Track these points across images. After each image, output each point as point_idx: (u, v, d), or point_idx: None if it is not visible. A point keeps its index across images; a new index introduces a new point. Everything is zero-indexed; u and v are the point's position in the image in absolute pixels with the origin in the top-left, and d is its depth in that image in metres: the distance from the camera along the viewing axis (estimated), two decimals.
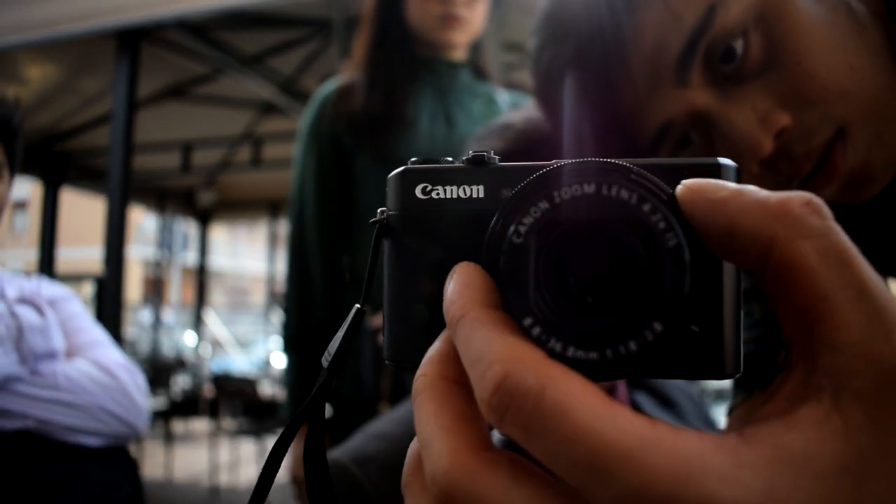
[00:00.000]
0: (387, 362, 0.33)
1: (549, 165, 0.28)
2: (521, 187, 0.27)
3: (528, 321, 0.26)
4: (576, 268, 0.27)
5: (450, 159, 0.33)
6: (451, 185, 0.32)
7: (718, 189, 0.25)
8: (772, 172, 0.50)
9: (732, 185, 0.25)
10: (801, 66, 0.47)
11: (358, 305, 0.35)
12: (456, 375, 0.26)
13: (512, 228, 0.26)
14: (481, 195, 0.31)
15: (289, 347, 1.35)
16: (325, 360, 0.35)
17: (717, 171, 0.29)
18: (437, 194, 0.32)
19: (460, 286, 0.27)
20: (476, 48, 1.38)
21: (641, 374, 0.28)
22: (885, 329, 0.21)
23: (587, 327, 0.25)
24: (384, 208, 0.34)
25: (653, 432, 0.20)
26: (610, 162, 0.27)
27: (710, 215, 0.24)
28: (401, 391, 1.20)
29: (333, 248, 1.32)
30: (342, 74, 1.36)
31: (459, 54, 1.34)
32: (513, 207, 0.27)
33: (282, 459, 0.34)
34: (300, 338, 1.32)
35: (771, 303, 0.24)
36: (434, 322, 0.31)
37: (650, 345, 0.25)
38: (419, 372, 0.27)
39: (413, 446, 0.27)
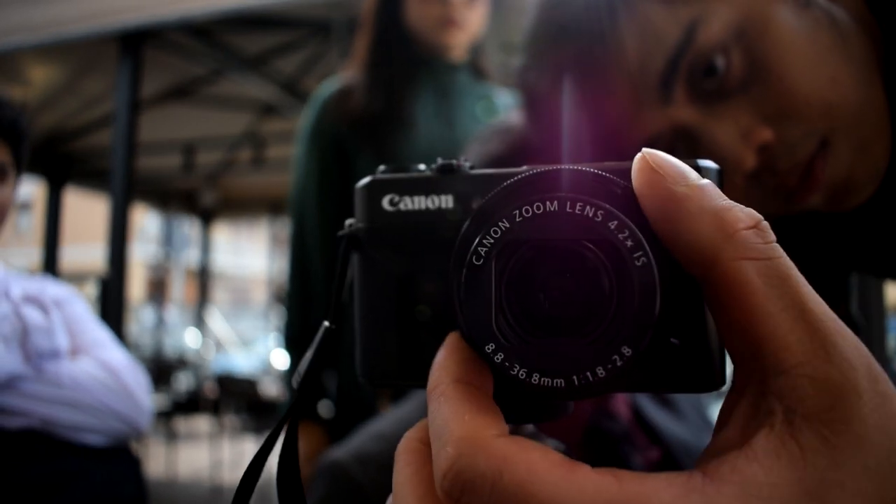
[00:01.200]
0: (360, 379, 0.32)
1: (519, 173, 0.26)
2: (482, 204, 0.26)
3: (490, 347, 0.24)
4: (540, 290, 0.25)
5: (421, 167, 0.31)
6: (419, 196, 0.30)
7: (680, 180, 0.24)
8: (757, 185, 0.50)
9: (695, 179, 0.24)
10: (783, 81, 0.48)
11: (327, 324, 0.33)
12: (469, 379, 0.25)
13: (471, 250, 0.25)
14: (450, 205, 0.30)
15: (290, 346, 1.36)
16: (295, 382, 0.32)
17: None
18: (405, 206, 0.30)
19: (441, 356, 0.26)
20: (475, 49, 1.38)
21: (615, 391, 0.27)
22: (826, 349, 0.21)
23: (553, 353, 0.24)
24: (352, 220, 0.32)
25: (621, 491, 0.20)
26: (581, 171, 0.25)
27: (662, 207, 0.24)
28: (401, 389, 1.21)
29: (335, 248, 1.32)
30: (342, 75, 1.37)
31: (459, 55, 1.35)
32: (475, 226, 0.26)
33: (262, 468, 0.32)
34: (302, 337, 1.33)
35: (712, 315, 0.24)
36: (406, 338, 0.30)
37: (619, 369, 0.23)
38: (433, 379, 0.26)
39: (411, 434, 0.27)
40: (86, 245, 12.24)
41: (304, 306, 1.33)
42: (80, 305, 1.10)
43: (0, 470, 0.90)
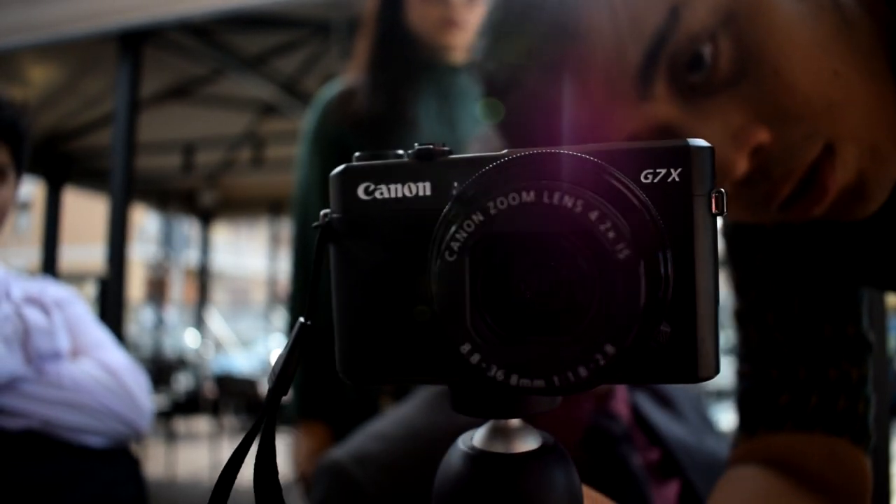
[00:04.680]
0: (340, 377, 0.31)
1: (497, 158, 0.25)
2: (457, 194, 0.24)
3: (465, 347, 0.23)
4: (517, 286, 0.24)
5: (399, 152, 0.30)
6: (396, 184, 0.29)
7: None
8: (748, 190, 0.45)
9: None
10: (779, 75, 0.41)
11: (302, 320, 0.31)
12: None
13: (444, 245, 0.23)
14: (428, 192, 0.28)
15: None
16: (270, 381, 0.31)
17: (686, 155, 0.26)
18: (381, 194, 0.29)
19: None
20: None
21: (599, 385, 0.26)
22: None
23: (532, 353, 0.23)
24: (327, 210, 0.31)
25: None
26: (561, 154, 0.23)
27: None
28: (403, 388, 1.22)
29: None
30: (344, 77, 1.37)
31: (459, 57, 1.35)
32: (449, 217, 0.24)
33: (237, 469, 0.32)
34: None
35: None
36: (385, 333, 0.29)
37: (602, 369, 0.22)
38: None
39: None
40: (85, 245, 12.23)
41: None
42: (80, 306, 1.10)
43: (0, 471, 0.90)
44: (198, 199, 7.40)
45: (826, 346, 0.57)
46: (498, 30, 0.48)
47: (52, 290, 1.07)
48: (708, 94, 0.43)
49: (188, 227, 10.77)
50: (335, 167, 0.29)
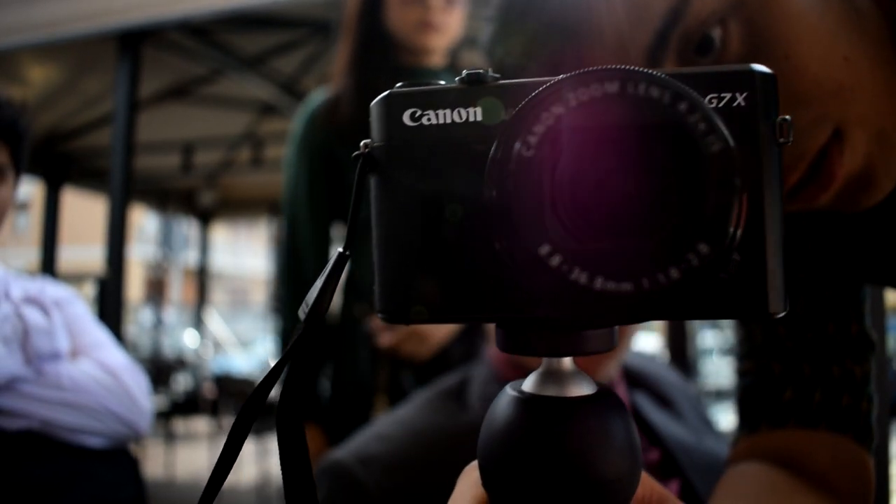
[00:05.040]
0: (378, 316, 0.29)
1: (555, 81, 0.23)
2: (530, 97, 0.22)
3: (545, 249, 0.21)
4: (601, 182, 0.22)
5: (442, 82, 0.28)
6: (444, 109, 0.27)
7: None
8: None
9: None
10: (789, 58, 0.41)
11: (340, 250, 0.30)
12: None
13: (520, 141, 0.22)
14: (479, 118, 0.27)
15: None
16: (303, 312, 0.30)
17: (751, 79, 0.25)
18: (429, 119, 0.27)
19: None
20: (455, 53, 1.40)
21: (679, 311, 0.24)
22: None
23: (618, 253, 0.21)
24: (367, 140, 0.30)
25: None
26: (631, 68, 0.22)
27: None
28: (397, 384, 1.22)
29: (326, 255, 1.34)
30: (329, 84, 1.38)
31: (438, 60, 1.36)
32: (521, 118, 0.22)
33: (243, 441, 0.31)
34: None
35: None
36: (432, 266, 0.27)
37: (694, 271, 0.20)
38: None
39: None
40: (84, 245, 12.23)
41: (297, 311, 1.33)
42: (80, 306, 1.10)
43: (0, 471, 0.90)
44: (197, 199, 7.39)
45: (830, 344, 0.57)
46: (506, 14, 0.48)
47: (51, 290, 1.07)
48: None
49: (187, 228, 10.76)
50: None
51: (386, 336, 1.19)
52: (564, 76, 0.22)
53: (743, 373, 0.61)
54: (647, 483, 0.32)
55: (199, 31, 3.82)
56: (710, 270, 0.20)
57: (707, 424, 0.97)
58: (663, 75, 0.21)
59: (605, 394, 0.28)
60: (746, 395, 0.60)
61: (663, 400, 0.92)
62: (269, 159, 5.76)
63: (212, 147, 5.87)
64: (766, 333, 0.59)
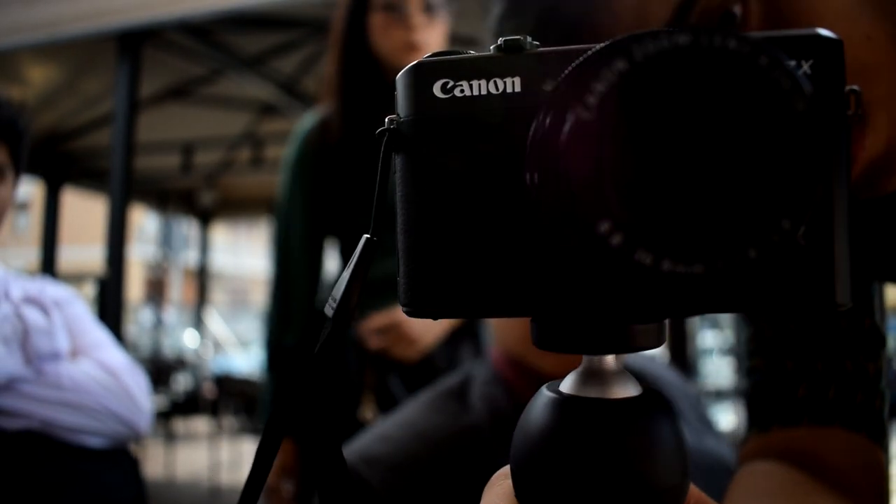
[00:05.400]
0: (403, 309, 0.27)
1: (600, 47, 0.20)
2: (587, 54, 0.20)
3: (604, 226, 0.19)
4: (670, 148, 0.19)
5: (472, 52, 0.26)
6: (480, 80, 0.25)
7: None
8: None
9: None
10: None
11: (367, 236, 0.28)
12: None
13: (576, 103, 0.19)
14: (518, 89, 0.24)
15: (269, 364, 1.38)
16: (330, 309, 0.27)
17: (817, 45, 0.22)
18: (462, 91, 0.25)
19: None
20: None
21: (738, 303, 0.21)
22: None
23: (690, 230, 0.18)
24: (393, 115, 0.27)
25: None
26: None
27: None
28: (384, 385, 1.23)
29: (318, 278, 1.35)
30: (319, 107, 1.39)
31: None
32: (576, 78, 0.19)
33: (271, 462, 0.29)
34: (276, 359, 1.35)
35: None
36: (465, 252, 0.25)
37: (774, 250, 0.18)
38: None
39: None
40: (84, 245, 12.23)
41: (283, 327, 1.34)
42: (80, 306, 1.10)
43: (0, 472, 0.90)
44: (197, 199, 7.40)
45: (843, 339, 0.56)
46: None
47: (51, 290, 1.07)
48: None
49: (187, 228, 10.76)
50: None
51: (375, 339, 1.20)
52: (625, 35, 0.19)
53: (752, 370, 0.60)
54: (693, 492, 0.30)
55: (199, 32, 3.82)
56: (787, 251, 0.18)
57: (707, 424, 0.97)
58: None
59: (651, 395, 0.26)
60: (757, 393, 0.59)
61: None
62: (269, 159, 5.76)
63: (212, 147, 5.88)
64: (777, 329, 0.58)
